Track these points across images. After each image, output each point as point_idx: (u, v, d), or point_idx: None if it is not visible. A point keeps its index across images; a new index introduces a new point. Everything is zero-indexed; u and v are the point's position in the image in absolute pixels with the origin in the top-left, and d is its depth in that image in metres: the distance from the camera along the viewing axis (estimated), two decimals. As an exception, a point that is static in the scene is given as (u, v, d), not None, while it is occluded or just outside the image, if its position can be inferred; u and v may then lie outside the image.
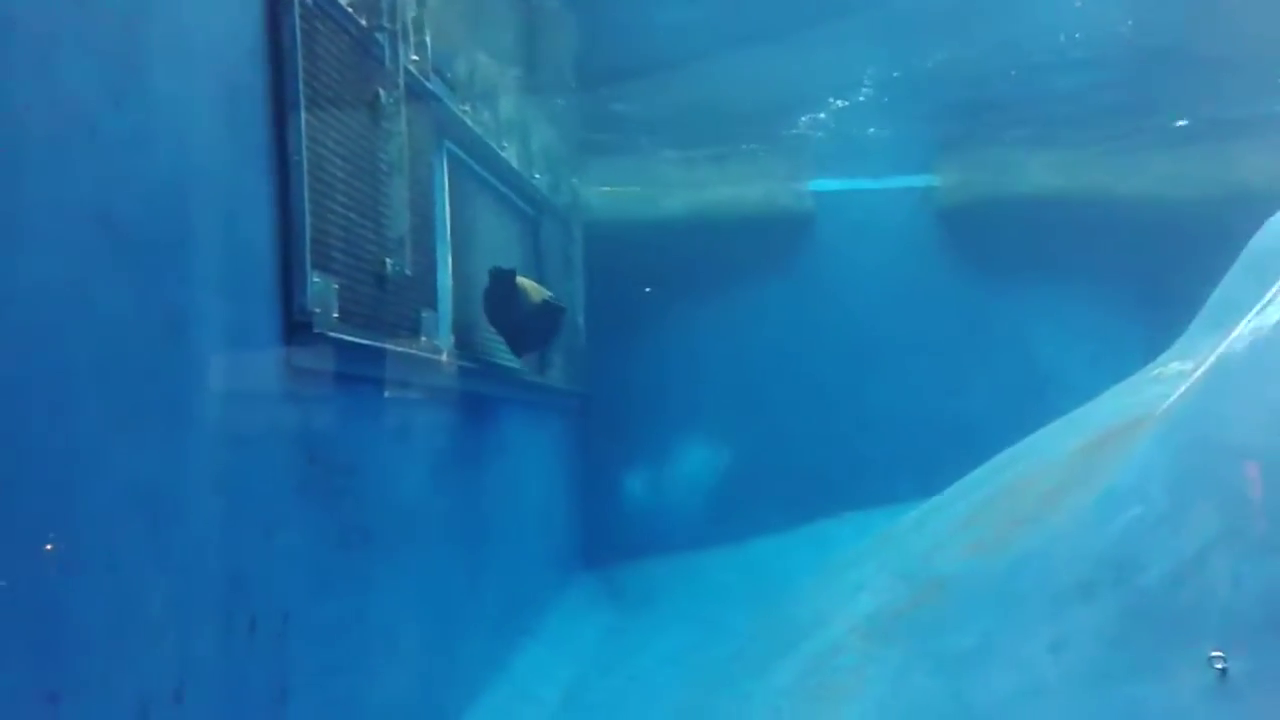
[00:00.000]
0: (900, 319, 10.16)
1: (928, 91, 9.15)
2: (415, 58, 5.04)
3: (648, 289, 10.04)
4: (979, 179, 10.47)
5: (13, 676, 2.19)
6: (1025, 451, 6.10)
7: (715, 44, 7.86)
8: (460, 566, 5.81)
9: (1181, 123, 9.99)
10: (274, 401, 3.59)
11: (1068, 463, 5.21)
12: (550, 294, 6.80)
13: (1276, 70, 8.90)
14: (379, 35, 4.60)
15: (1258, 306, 4.33)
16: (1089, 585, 4.01)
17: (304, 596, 3.66)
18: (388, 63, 4.67)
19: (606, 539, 9.56)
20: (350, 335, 4.02)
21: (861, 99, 9.21)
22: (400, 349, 4.64)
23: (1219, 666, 3.41)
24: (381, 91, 4.57)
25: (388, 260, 4.54)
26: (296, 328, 3.63)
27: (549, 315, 6.64)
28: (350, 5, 4.29)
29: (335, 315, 3.89)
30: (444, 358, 5.34)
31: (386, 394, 4.64)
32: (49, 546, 2.31)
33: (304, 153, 3.68)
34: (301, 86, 3.68)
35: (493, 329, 6.34)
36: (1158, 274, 9.34)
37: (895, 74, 8.81)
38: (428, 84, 5.27)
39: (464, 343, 5.94)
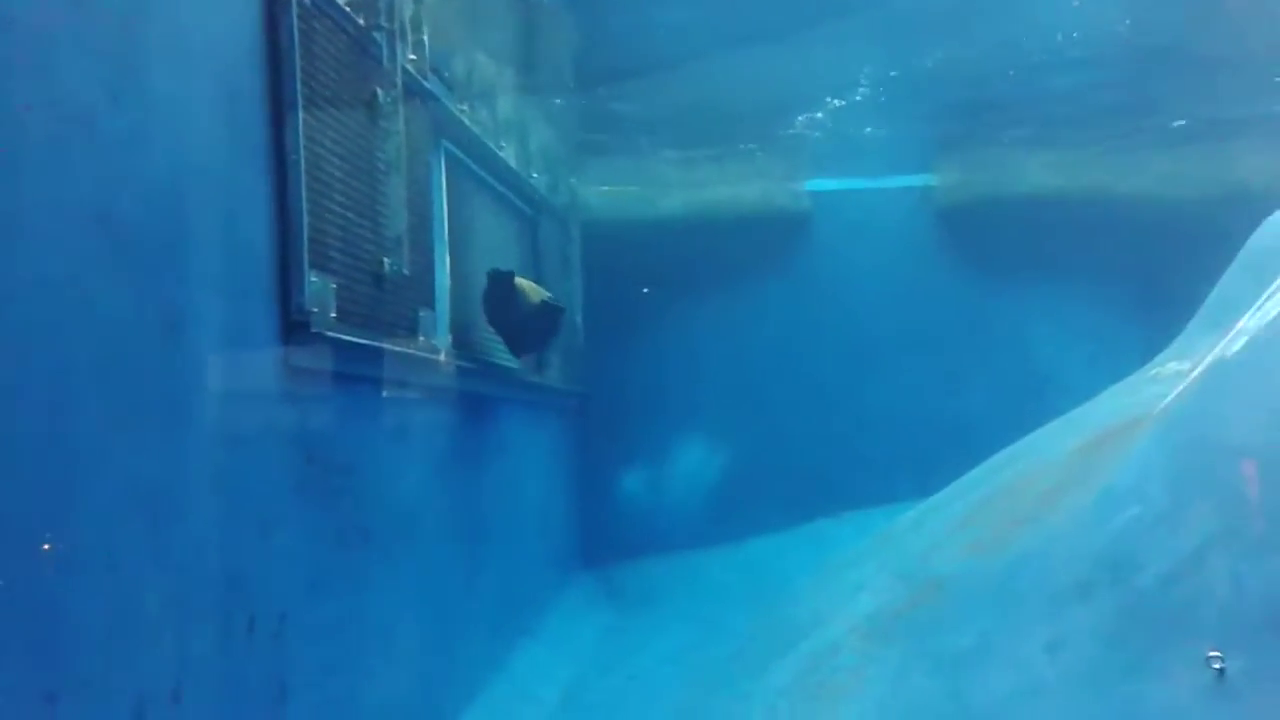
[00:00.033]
0: (898, 319, 10.16)
1: (926, 91, 9.15)
2: (413, 57, 5.04)
3: (646, 289, 10.03)
4: (977, 179, 10.46)
5: (11, 676, 2.19)
6: (1023, 451, 6.10)
7: (713, 44, 7.86)
8: (459, 566, 5.81)
9: (1180, 122, 9.99)
10: (272, 401, 3.59)
11: (1066, 462, 5.21)
12: (549, 294, 6.80)
13: (1275, 70, 8.91)
14: (377, 34, 4.60)
15: (1256, 306, 4.33)
16: (1087, 585, 4.00)
17: (302, 596, 3.65)
18: (385, 62, 4.67)
19: (605, 538, 9.55)
20: (348, 335, 4.02)
21: (859, 98, 9.21)
22: (398, 348, 4.64)
23: (1217, 666, 3.41)
24: (379, 91, 4.56)
25: (385, 260, 4.54)
26: (294, 327, 3.63)
27: (548, 316, 6.64)
28: (348, 4, 4.29)
29: (333, 315, 3.89)
30: (442, 357, 5.34)
31: (384, 393, 4.63)
32: (46, 546, 2.30)
33: (302, 152, 3.69)
34: (299, 86, 3.68)
35: (491, 329, 6.34)
36: (1156, 274, 9.35)
37: (893, 73, 8.81)
38: (425, 83, 5.27)
39: (462, 342, 5.94)
